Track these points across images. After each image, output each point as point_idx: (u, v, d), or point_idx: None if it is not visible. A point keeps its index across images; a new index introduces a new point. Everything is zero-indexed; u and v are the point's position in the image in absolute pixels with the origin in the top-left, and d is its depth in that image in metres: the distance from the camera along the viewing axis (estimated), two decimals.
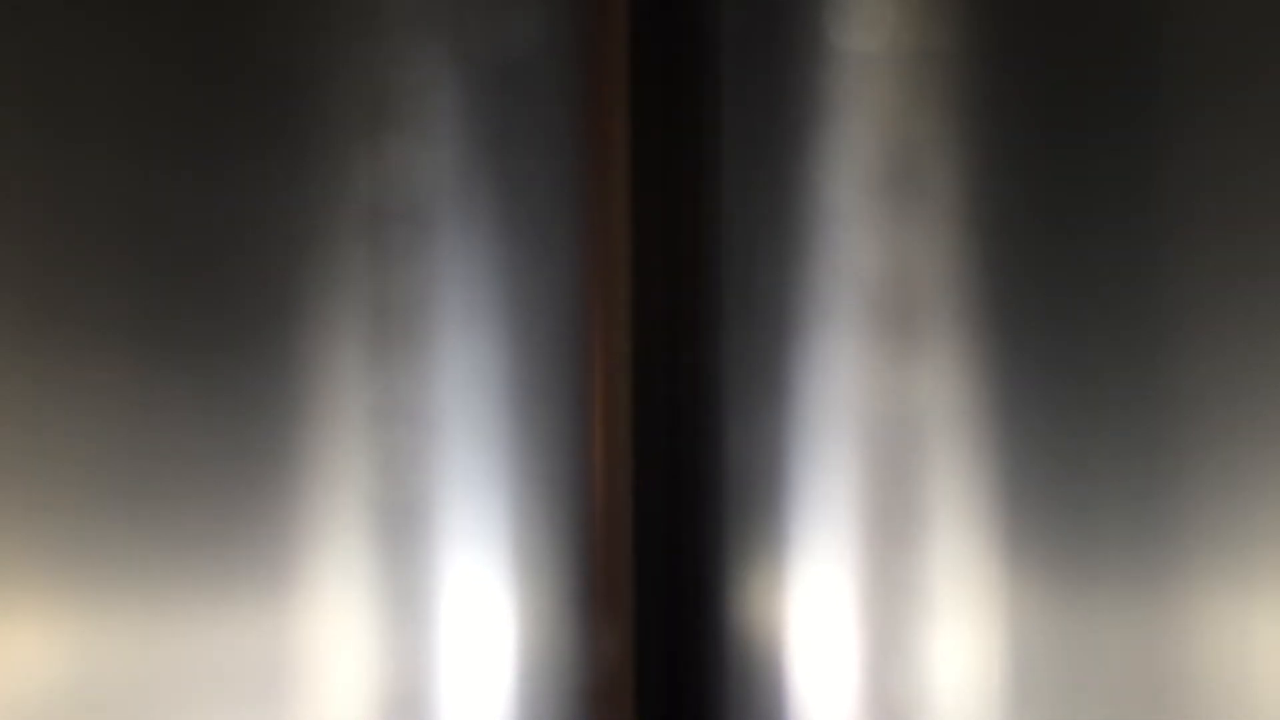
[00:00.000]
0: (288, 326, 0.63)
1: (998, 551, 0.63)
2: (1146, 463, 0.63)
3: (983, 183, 0.64)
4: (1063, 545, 0.63)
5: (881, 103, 0.64)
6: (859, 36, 0.65)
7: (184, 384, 0.63)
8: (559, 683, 0.64)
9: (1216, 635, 0.62)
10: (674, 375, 0.69)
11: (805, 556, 0.65)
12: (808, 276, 0.65)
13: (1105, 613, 0.62)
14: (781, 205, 0.65)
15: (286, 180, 0.63)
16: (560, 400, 0.64)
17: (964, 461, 0.63)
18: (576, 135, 0.65)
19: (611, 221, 0.66)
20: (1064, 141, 0.63)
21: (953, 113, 0.64)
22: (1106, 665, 0.62)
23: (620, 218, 0.67)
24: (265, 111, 0.63)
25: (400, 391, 0.63)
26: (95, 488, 0.62)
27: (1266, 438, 0.62)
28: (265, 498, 0.63)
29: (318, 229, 0.63)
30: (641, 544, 0.68)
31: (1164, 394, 0.63)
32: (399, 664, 0.63)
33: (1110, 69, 0.63)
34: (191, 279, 0.63)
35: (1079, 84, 0.64)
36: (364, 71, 0.64)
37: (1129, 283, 0.63)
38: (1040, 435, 0.63)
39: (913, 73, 0.64)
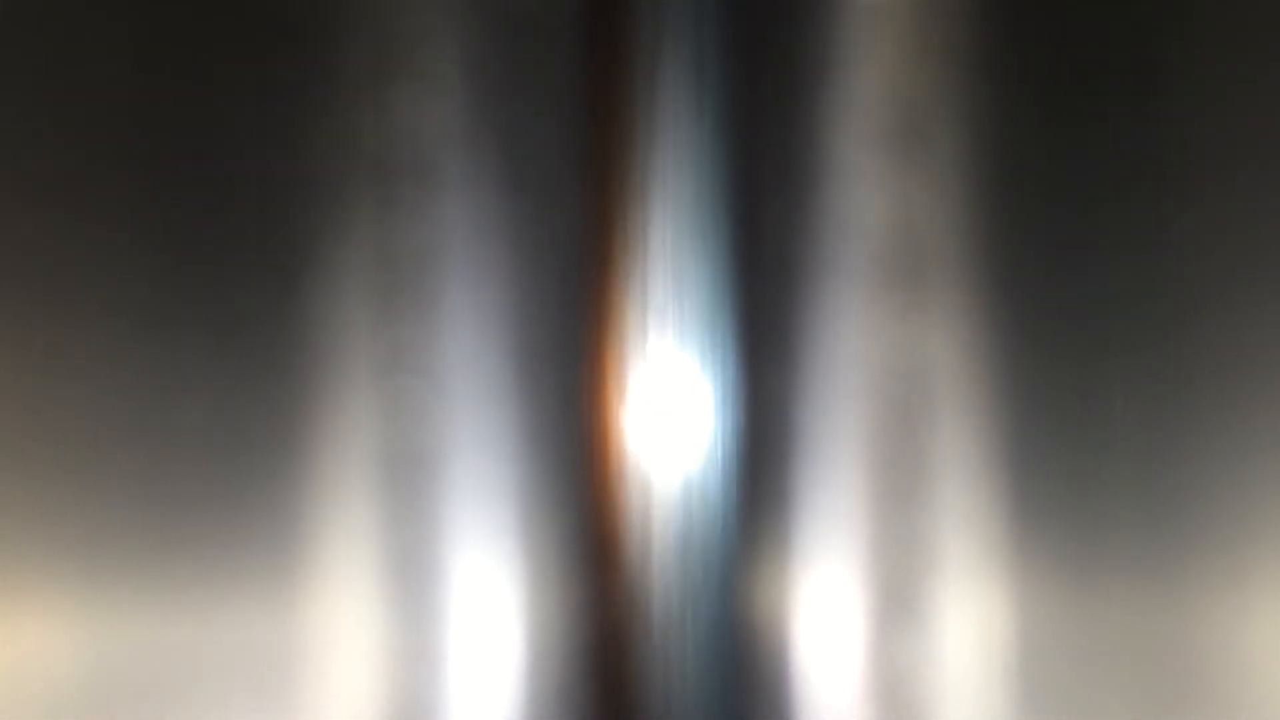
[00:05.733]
0: (294, 279, 0.63)
1: (1005, 512, 0.63)
2: (1156, 422, 0.62)
3: (989, 135, 0.63)
4: (1070, 507, 0.63)
5: (888, 55, 0.64)
6: None
7: (189, 343, 0.63)
8: (564, 637, 0.64)
9: (1221, 599, 0.62)
10: (681, 329, 0.69)
11: (810, 512, 0.65)
12: (816, 230, 0.65)
13: (1114, 588, 0.62)
14: (789, 158, 0.65)
15: (292, 133, 0.63)
16: (565, 354, 0.64)
17: (971, 412, 0.63)
18: (582, 89, 0.65)
19: (616, 175, 0.66)
20: (1071, 93, 0.63)
21: (959, 65, 0.64)
22: (1114, 637, 0.62)
23: (625, 171, 0.67)
24: (271, 64, 0.63)
25: (406, 345, 0.63)
26: (97, 451, 0.62)
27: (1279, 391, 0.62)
28: (273, 453, 0.63)
29: (323, 182, 0.63)
30: (646, 501, 0.68)
31: (1174, 351, 0.63)
32: (406, 619, 0.63)
33: (1120, 20, 0.63)
34: (197, 234, 0.63)
35: (1085, 35, 0.63)
36: (370, 24, 0.63)
37: (1137, 233, 0.63)
38: (1047, 391, 0.63)
39: (919, 25, 0.64)
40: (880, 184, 0.64)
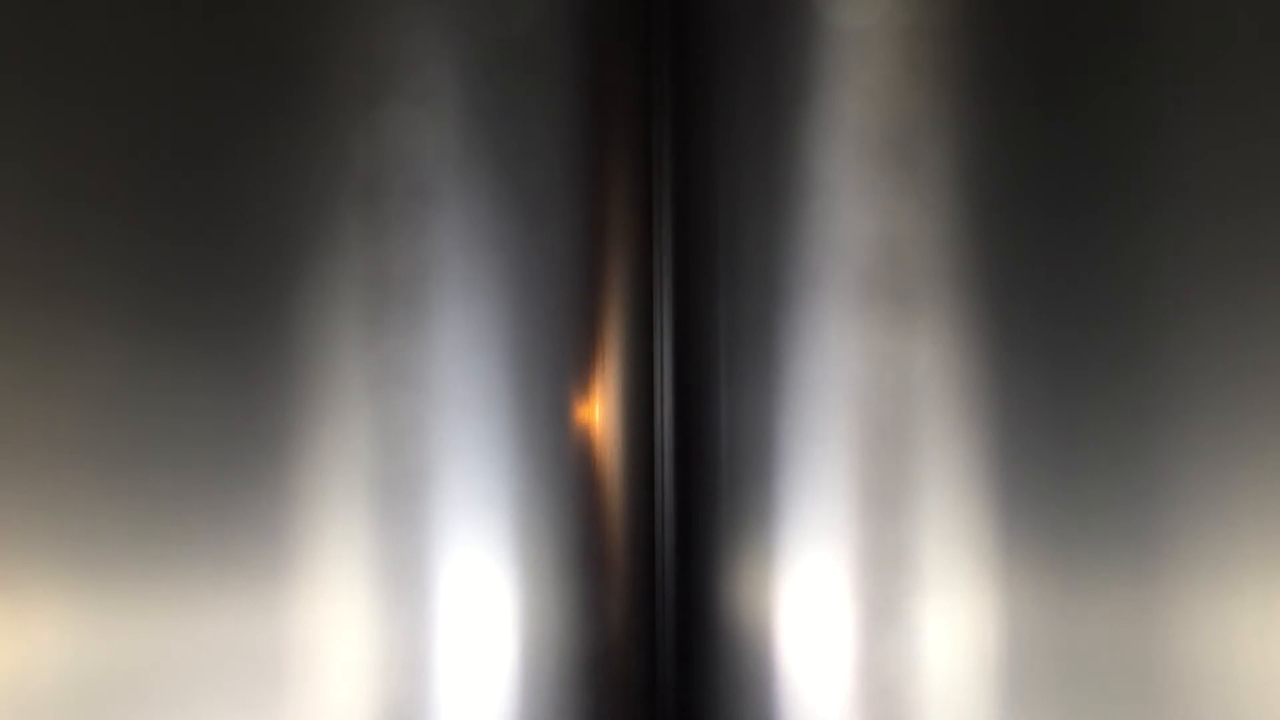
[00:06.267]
0: (288, 295, 0.63)
1: (990, 524, 0.63)
2: (1139, 433, 0.63)
3: (974, 155, 0.64)
4: (1055, 518, 0.63)
5: (874, 77, 0.65)
6: (852, 11, 0.65)
7: (184, 357, 0.63)
8: (555, 646, 0.64)
9: (1206, 609, 0.62)
10: (670, 344, 0.69)
11: (796, 524, 0.65)
12: (801, 246, 0.65)
13: (1098, 593, 0.62)
14: (776, 175, 0.66)
15: (286, 153, 0.63)
16: (556, 369, 0.65)
17: (955, 431, 0.64)
18: (573, 109, 0.65)
19: (606, 193, 0.66)
20: (1055, 114, 0.64)
21: (944, 86, 0.64)
22: (1099, 646, 0.62)
23: (614, 189, 0.67)
24: (265, 84, 0.63)
25: (399, 362, 0.63)
26: (92, 459, 0.62)
27: (1260, 403, 0.62)
28: (266, 466, 0.63)
29: (317, 201, 0.63)
30: (636, 513, 0.68)
31: (1157, 364, 0.63)
32: (400, 630, 0.63)
33: (1102, 42, 0.64)
34: (191, 251, 0.63)
35: (1071, 56, 0.64)
36: (364, 45, 0.64)
37: (1120, 252, 0.63)
38: (1032, 404, 0.63)
39: (905, 47, 0.64)
40: (865, 201, 0.64)
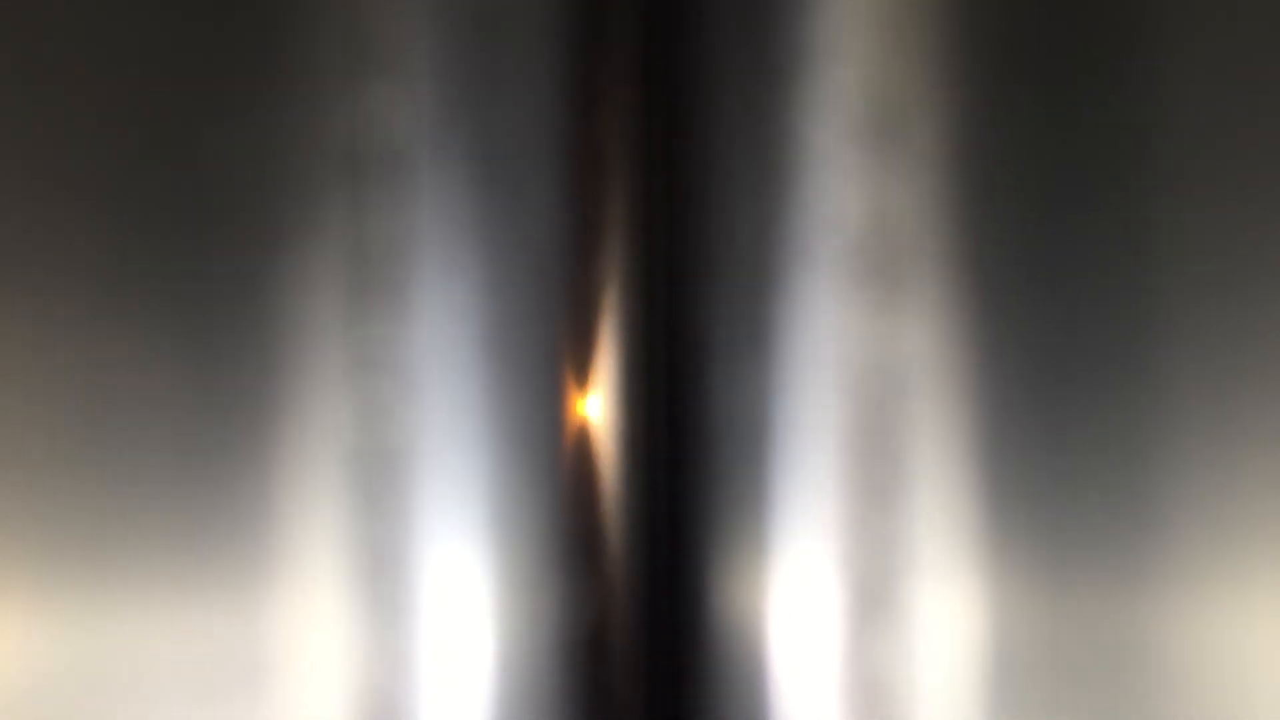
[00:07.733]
0: (265, 275, 0.63)
1: (981, 513, 0.63)
2: (1132, 421, 0.62)
3: (966, 131, 0.63)
4: (1047, 507, 0.63)
5: (864, 51, 0.64)
6: None
7: (154, 338, 0.62)
8: (539, 637, 0.64)
9: (1195, 599, 0.62)
10: (656, 326, 0.69)
11: (789, 509, 0.65)
12: (791, 226, 0.65)
13: (1089, 583, 0.62)
14: (764, 154, 0.65)
15: (266, 127, 0.63)
16: (539, 352, 0.64)
17: (947, 411, 0.63)
18: (557, 83, 0.65)
19: (592, 170, 0.66)
20: (1048, 89, 0.63)
21: (936, 60, 0.63)
22: (1090, 637, 0.62)
23: (601, 167, 0.66)
24: (245, 57, 0.63)
25: (378, 342, 0.63)
26: (56, 446, 0.62)
27: (1253, 394, 0.62)
28: (240, 454, 0.62)
29: (296, 176, 0.63)
30: (622, 498, 0.68)
31: (1150, 350, 0.62)
32: (381, 624, 0.63)
33: (1096, 18, 0.63)
34: (167, 227, 0.63)
35: (1063, 32, 0.63)
36: (345, 17, 0.63)
37: (1113, 231, 0.63)
38: (1024, 390, 0.63)
39: (896, 21, 0.64)
40: (855, 179, 0.64)
